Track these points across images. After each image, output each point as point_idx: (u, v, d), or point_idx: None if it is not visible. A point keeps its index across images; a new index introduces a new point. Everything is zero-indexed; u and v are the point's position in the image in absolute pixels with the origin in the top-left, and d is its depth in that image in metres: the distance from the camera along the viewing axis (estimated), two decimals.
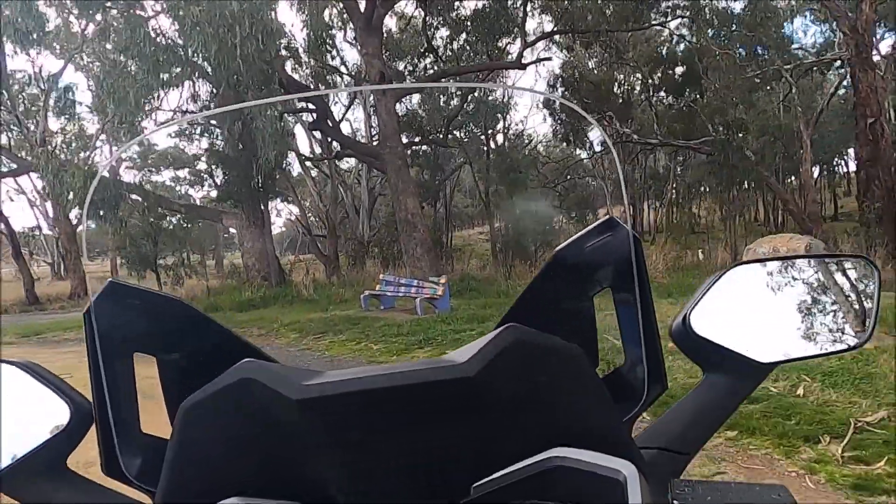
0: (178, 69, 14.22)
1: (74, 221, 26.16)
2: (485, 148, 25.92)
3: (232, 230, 20.41)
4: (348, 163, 33.01)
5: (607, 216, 0.82)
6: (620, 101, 22.06)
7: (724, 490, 0.71)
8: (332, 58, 20.28)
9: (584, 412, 0.63)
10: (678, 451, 0.77)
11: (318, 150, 25.93)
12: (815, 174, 28.43)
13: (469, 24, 18.39)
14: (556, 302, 0.85)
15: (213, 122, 16.65)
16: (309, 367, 0.66)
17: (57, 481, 0.71)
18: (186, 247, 22.06)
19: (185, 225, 32.96)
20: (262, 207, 16.87)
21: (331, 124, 17.87)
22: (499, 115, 25.80)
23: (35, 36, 17.47)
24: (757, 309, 0.85)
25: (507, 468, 0.59)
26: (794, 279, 0.89)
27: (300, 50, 18.02)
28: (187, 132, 26.29)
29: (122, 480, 0.72)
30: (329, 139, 20.22)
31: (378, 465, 0.60)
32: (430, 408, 0.59)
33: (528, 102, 29.16)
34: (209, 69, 14.58)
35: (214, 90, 15.28)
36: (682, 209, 22.21)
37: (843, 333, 0.87)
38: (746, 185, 17.51)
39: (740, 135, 15.45)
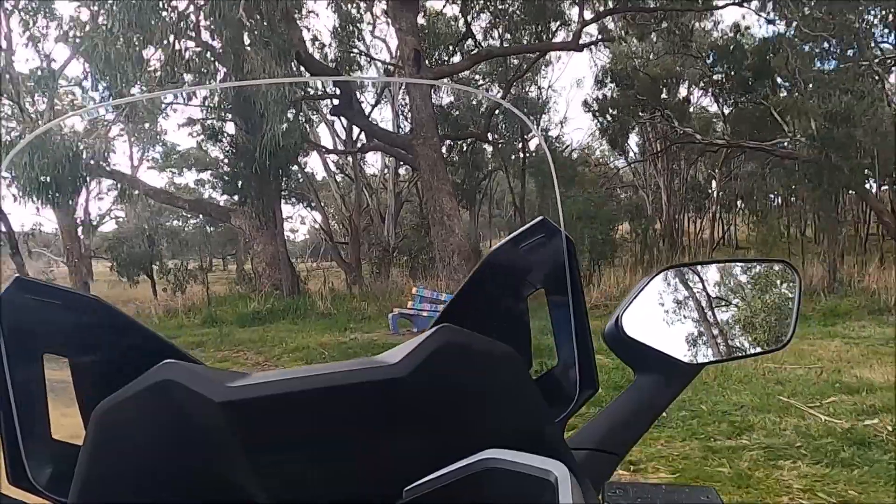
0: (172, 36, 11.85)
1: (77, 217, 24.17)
2: (520, 151, 23.37)
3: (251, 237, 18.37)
4: (373, 167, 30.84)
5: (540, 217, 0.78)
6: (678, 98, 19.36)
7: (655, 492, 0.71)
8: (359, 39, 17.77)
9: (516, 413, 0.61)
10: (610, 452, 0.76)
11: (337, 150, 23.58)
12: None
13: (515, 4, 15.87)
14: (489, 303, 0.82)
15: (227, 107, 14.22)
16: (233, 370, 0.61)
17: None
18: (197, 250, 19.81)
19: (206, 227, 30.47)
20: (275, 206, 14.35)
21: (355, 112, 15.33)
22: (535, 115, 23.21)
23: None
24: (686, 311, 0.86)
25: (440, 471, 0.56)
26: (721, 283, 0.91)
27: (324, 33, 15.66)
28: (206, 130, 24.11)
29: (30, 490, 0.67)
30: (353, 131, 17.75)
31: (305, 469, 0.57)
32: (360, 409, 0.56)
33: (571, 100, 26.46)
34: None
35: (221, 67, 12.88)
36: (765, 221, 19.23)
37: (767, 335, 0.90)
38: (842, 193, 14.68)
39: (839, 130, 12.61)
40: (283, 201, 15.46)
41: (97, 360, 0.75)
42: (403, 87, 14.21)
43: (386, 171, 26.81)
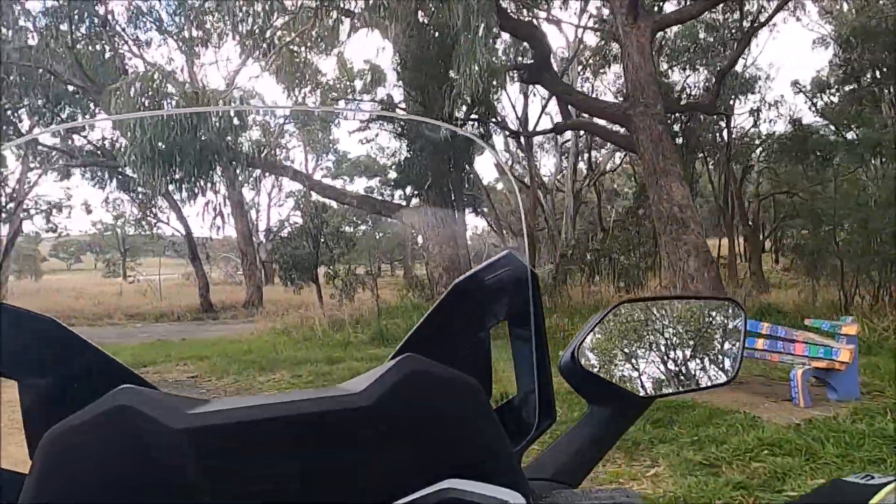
0: None
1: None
2: (724, 132, 19.10)
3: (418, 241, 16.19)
4: (546, 167, 27.88)
5: (506, 250, 0.80)
6: None
7: (579, 497, 0.72)
8: None
9: (477, 443, 0.61)
10: (564, 483, 0.77)
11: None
12: None
13: None
14: (453, 332, 0.83)
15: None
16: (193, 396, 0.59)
17: None
18: (366, 255, 17.94)
19: (375, 233, 28.88)
20: (456, 200, 11.64)
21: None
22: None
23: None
24: (639, 345, 0.87)
25: (400, 500, 0.55)
26: (671, 318, 0.92)
27: None
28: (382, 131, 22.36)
29: None
30: (545, 108, 14.74)
31: (266, 499, 0.54)
32: (322, 439, 0.54)
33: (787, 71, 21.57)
34: None
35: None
36: None
37: (713, 370, 0.90)
38: None
39: None
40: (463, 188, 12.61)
41: (49, 383, 0.72)
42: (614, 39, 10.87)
43: (564, 170, 23.84)
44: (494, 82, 9.24)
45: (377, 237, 29.88)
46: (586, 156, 23.73)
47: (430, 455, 0.58)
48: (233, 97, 10.11)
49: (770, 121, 21.21)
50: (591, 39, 19.16)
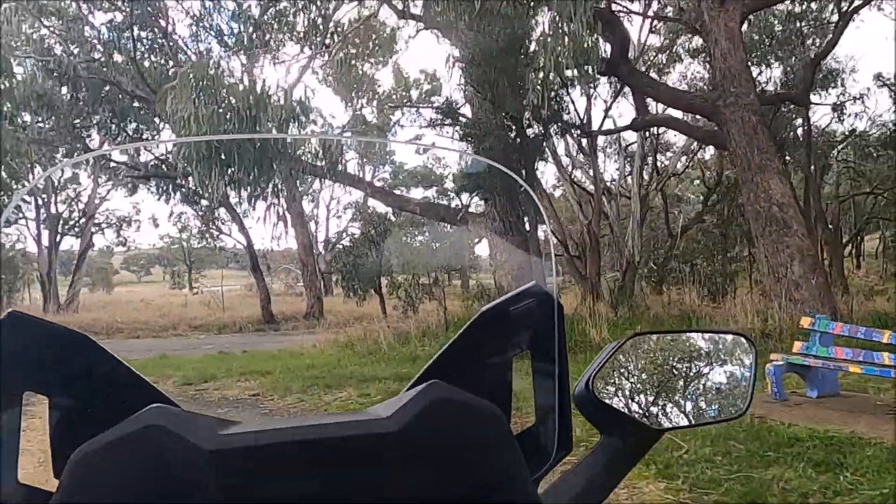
0: None
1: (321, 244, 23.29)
2: (802, 128, 17.65)
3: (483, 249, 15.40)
4: (609, 172, 26.73)
5: (533, 282, 0.81)
6: None
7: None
8: None
9: (497, 470, 0.61)
10: None
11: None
12: None
13: None
14: (477, 360, 0.83)
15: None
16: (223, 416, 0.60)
17: None
18: (425, 265, 17.33)
19: (433, 243, 28.46)
20: (528, 202, 10.81)
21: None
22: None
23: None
24: (650, 377, 0.87)
25: None
26: (684, 351, 0.92)
27: None
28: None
29: None
30: (610, 106, 13.72)
31: None
32: (349, 463, 0.55)
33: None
34: None
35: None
36: None
37: (725, 404, 0.90)
38: None
39: None
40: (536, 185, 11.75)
41: (79, 400, 0.72)
42: (699, 23, 9.86)
43: (628, 173, 22.69)
44: (576, 72, 8.44)
45: (434, 246, 29.30)
46: (650, 159, 22.59)
47: (452, 480, 0.58)
48: (290, 99, 9.56)
49: (855, 115, 19.61)
50: (652, 39, 18.02)
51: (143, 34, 13.19)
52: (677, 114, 12.21)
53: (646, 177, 22.48)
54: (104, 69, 13.47)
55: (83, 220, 25.00)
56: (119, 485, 0.51)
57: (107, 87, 16.04)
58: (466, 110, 13.71)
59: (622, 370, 0.85)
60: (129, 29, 12.62)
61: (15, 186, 22.77)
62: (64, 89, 16.25)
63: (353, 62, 25.56)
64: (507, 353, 0.83)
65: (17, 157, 20.58)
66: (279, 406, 7.49)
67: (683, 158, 23.37)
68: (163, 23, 13.23)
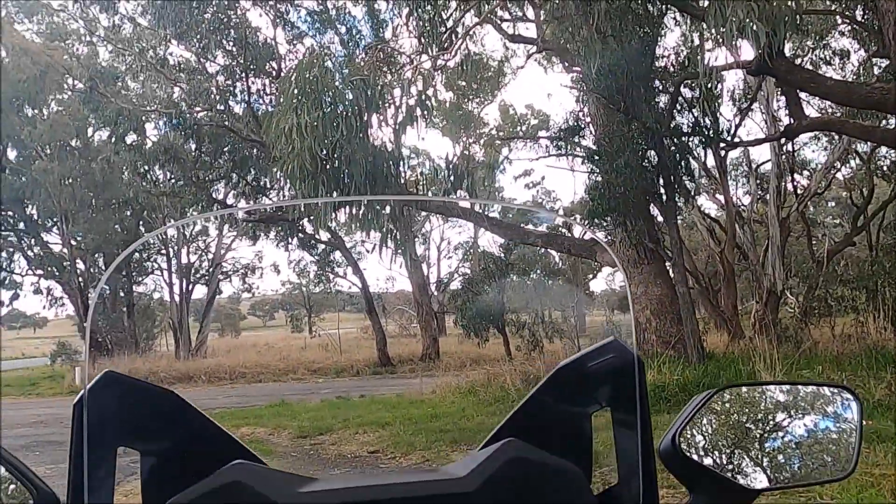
0: None
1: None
2: None
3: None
4: (741, 192, 24.28)
5: (611, 338, 0.78)
6: None
7: None
8: None
9: None
10: None
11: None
12: None
13: None
14: (554, 417, 0.80)
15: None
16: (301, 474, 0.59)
17: None
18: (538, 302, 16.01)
19: (546, 280, 27.07)
20: (669, 227, 9.26)
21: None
22: None
23: None
24: (742, 433, 0.81)
25: None
26: (779, 405, 0.85)
27: None
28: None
29: None
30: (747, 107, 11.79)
31: None
32: None
33: None
34: None
35: None
36: None
37: (827, 464, 0.81)
38: None
39: None
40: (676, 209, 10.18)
41: (168, 455, 0.73)
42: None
43: (759, 195, 20.37)
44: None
45: (548, 283, 27.89)
46: (787, 177, 20.18)
47: None
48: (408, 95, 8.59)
49: None
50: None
51: (258, 80, 13.14)
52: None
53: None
54: (223, 117, 13.52)
55: (211, 269, 25.78)
56: None
57: (227, 138, 16.26)
58: (582, 132, 12.51)
59: (711, 425, 0.79)
60: (243, 73, 12.56)
61: (152, 241, 23.85)
62: (189, 143, 16.68)
63: (460, 100, 25.24)
64: (585, 409, 0.79)
65: (151, 211, 21.50)
66: (402, 465, 6.41)
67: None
68: (274, 64, 13.12)
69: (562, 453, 0.60)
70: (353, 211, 8.22)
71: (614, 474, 0.77)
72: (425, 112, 8.52)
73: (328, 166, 7.26)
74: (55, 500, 0.66)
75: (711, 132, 9.12)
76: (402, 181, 9.03)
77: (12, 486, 0.67)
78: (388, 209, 7.97)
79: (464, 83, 23.19)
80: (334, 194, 7.48)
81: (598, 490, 0.77)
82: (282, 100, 7.63)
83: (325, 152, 7.14)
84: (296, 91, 7.25)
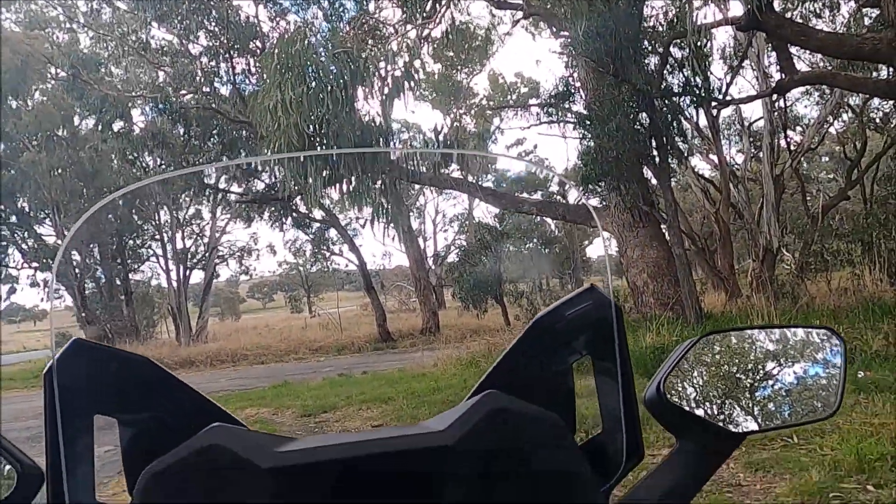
0: None
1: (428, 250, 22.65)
2: None
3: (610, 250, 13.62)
4: (728, 154, 24.22)
5: (588, 285, 0.78)
6: None
7: None
8: None
9: (563, 482, 0.58)
10: None
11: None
12: None
13: None
14: (534, 368, 0.79)
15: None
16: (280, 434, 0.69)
17: None
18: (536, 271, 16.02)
19: (542, 248, 27.11)
20: (663, 188, 9.21)
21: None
22: None
23: None
24: (727, 378, 0.82)
25: None
26: (763, 350, 0.85)
27: None
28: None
29: None
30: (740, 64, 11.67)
31: None
32: (406, 477, 0.54)
33: None
34: None
35: None
36: None
37: (811, 405, 0.83)
38: None
39: None
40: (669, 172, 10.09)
41: (146, 421, 0.74)
42: None
43: (753, 153, 20.31)
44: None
45: (544, 252, 27.94)
46: (780, 135, 20.07)
47: (514, 493, 0.56)
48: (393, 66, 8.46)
49: None
50: None
51: (242, 59, 12.92)
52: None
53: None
54: (209, 99, 13.32)
55: (207, 253, 25.71)
56: (184, 502, 0.51)
57: (214, 121, 16.06)
58: (573, 97, 12.38)
59: (696, 371, 0.79)
60: (227, 53, 12.34)
61: (146, 227, 23.73)
62: (177, 127, 16.48)
63: (448, 71, 24.97)
64: (566, 359, 0.79)
65: (143, 199, 21.35)
66: None
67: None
68: (258, 43, 12.89)
69: (543, 404, 0.59)
70: (345, 187, 8.11)
71: (598, 423, 0.77)
72: (411, 83, 8.38)
73: (316, 143, 7.15)
74: (39, 472, 0.66)
75: (703, 91, 9.05)
76: (393, 156, 8.96)
77: (7, 467, 0.67)
78: (378, 183, 7.88)
79: (451, 54, 22.94)
80: (324, 173, 7.37)
81: (582, 440, 0.77)
82: (265, 77, 7.50)
83: (311, 128, 7.02)
84: (278, 66, 7.08)
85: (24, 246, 21.40)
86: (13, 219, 20.83)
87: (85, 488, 0.68)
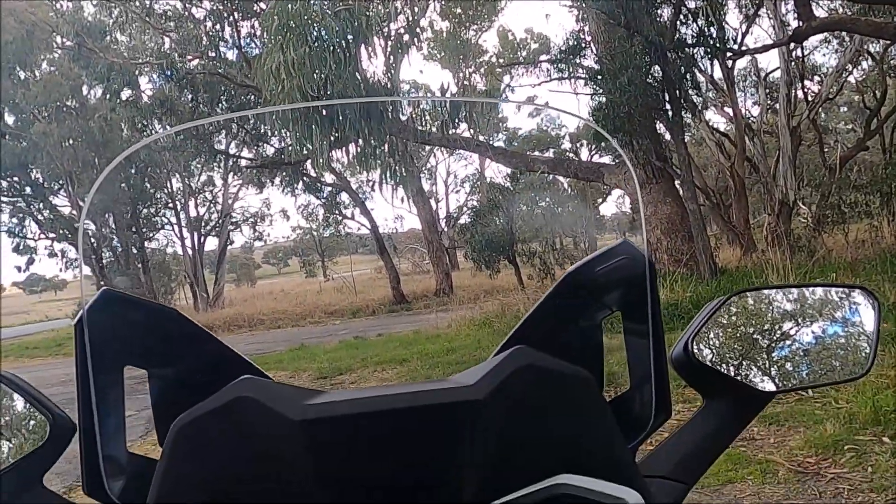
0: None
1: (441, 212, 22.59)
2: None
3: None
4: (748, 106, 23.68)
5: (621, 239, 0.75)
6: None
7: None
8: None
9: (590, 438, 0.59)
10: (679, 480, 0.71)
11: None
12: None
13: None
14: (564, 324, 0.80)
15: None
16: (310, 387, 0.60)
17: (32, 500, 0.65)
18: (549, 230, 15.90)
19: (555, 207, 27.00)
20: (676, 143, 9.04)
21: None
22: None
23: None
24: (757, 337, 0.80)
25: (510, 495, 0.54)
26: (794, 308, 0.83)
27: None
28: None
29: (104, 500, 0.64)
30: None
31: (377, 491, 0.54)
32: (435, 431, 0.53)
33: None
34: None
35: None
36: None
37: (843, 364, 0.81)
38: None
39: None
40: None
41: (175, 372, 0.73)
42: None
43: (771, 101, 19.85)
44: None
45: (557, 210, 27.76)
46: (797, 85, 19.56)
47: (542, 449, 0.56)
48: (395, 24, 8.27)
49: None
50: None
51: (246, 22, 12.73)
52: None
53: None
54: (215, 64, 13.18)
55: (221, 220, 25.82)
56: (213, 454, 0.52)
57: (222, 86, 15.92)
58: (584, 52, 12.08)
59: (725, 330, 0.77)
60: (230, 16, 12.15)
61: (158, 195, 23.81)
62: (184, 94, 16.36)
63: (457, 29, 24.48)
64: (596, 315, 0.78)
65: (155, 167, 21.37)
66: None
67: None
68: (263, 5, 12.66)
69: (572, 360, 0.58)
70: (352, 149, 8.02)
71: (626, 380, 0.77)
72: (415, 39, 8.18)
73: (321, 107, 7.06)
74: (71, 424, 0.66)
75: (717, 42, 8.79)
76: (402, 116, 8.82)
77: (32, 422, 0.68)
78: (386, 146, 7.80)
79: (459, 10, 22.46)
80: (332, 137, 7.28)
81: (610, 397, 0.76)
82: (266, 37, 7.37)
83: (315, 90, 6.89)
84: (279, 27, 6.92)
85: (39, 217, 21.59)
86: (27, 190, 20.97)
87: (116, 440, 0.68)
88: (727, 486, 3.42)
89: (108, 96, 17.68)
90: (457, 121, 9.32)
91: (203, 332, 0.74)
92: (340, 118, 7.23)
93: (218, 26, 13.11)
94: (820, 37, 15.99)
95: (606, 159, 10.83)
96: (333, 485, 0.52)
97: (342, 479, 0.52)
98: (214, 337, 0.75)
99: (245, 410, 0.52)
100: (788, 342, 0.80)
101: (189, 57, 14.07)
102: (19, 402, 0.68)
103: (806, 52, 18.93)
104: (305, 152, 8.07)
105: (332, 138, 7.31)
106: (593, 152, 20.70)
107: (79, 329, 0.64)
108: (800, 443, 3.78)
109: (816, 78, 21.07)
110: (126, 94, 17.85)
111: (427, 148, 21.36)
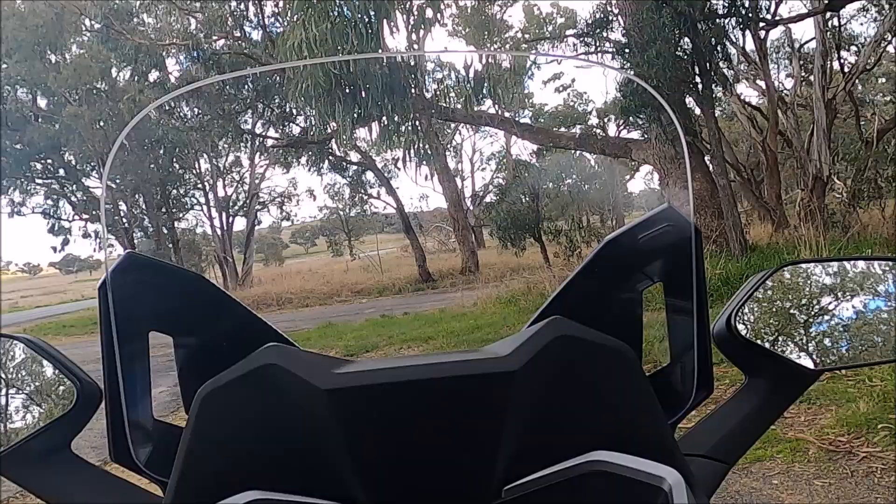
0: None
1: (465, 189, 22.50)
2: None
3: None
4: (781, 79, 23.02)
5: (665, 205, 0.70)
6: None
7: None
8: None
9: (628, 414, 0.56)
10: (719, 460, 0.69)
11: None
12: None
13: None
14: (602, 294, 0.75)
15: None
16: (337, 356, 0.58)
17: (59, 465, 0.65)
18: (576, 207, 15.75)
19: (582, 185, 26.71)
20: (707, 116, 8.83)
21: None
22: None
23: None
24: (803, 313, 0.76)
25: (543, 470, 0.52)
26: (845, 282, 0.78)
27: None
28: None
29: (131, 467, 0.64)
30: None
31: (406, 462, 0.52)
32: (467, 402, 0.52)
33: None
34: None
35: None
36: None
37: (893, 343, 0.76)
38: None
39: None
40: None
41: (201, 340, 0.72)
42: None
43: (805, 73, 19.27)
44: None
45: (584, 187, 27.46)
46: (833, 56, 18.94)
47: (577, 423, 0.54)
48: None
49: None
50: None
51: (270, 1, 12.73)
52: None
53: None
54: (240, 45, 13.22)
55: (248, 200, 26.10)
56: (240, 422, 0.51)
57: (248, 66, 15.97)
58: (611, 25, 11.82)
59: (769, 305, 0.73)
60: None
61: (187, 176, 24.11)
62: (211, 75, 16.45)
63: (481, 4, 24.17)
64: (636, 285, 0.73)
65: (182, 148, 21.62)
66: None
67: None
68: None
69: (610, 331, 0.56)
70: (375, 127, 8.00)
71: (658, 355, 0.75)
72: (439, 15, 8.08)
73: (343, 83, 6.98)
74: (98, 389, 0.66)
75: (749, 11, 8.53)
76: (426, 93, 8.74)
77: (62, 388, 0.68)
78: (408, 124, 7.75)
79: None
80: (355, 114, 7.25)
81: (650, 371, 0.73)
82: (289, 14, 7.33)
83: (337, 67, 6.87)
84: (300, 2, 6.85)
85: (73, 199, 22.04)
86: (61, 172, 21.40)
87: (143, 406, 0.68)
88: (755, 465, 3.39)
89: (136, 78, 17.89)
90: (481, 97, 9.22)
91: (229, 299, 0.73)
92: (363, 94, 7.18)
93: (242, 6, 13.11)
94: (857, 4, 15.47)
95: (634, 134, 10.65)
96: (362, 455, 0.51)
97: (371, 449, 0.51)
98: (241, 304, 0.73)
99: (272, 378, 0.51)
100: (835, 318, 0.76)
101: (215, 37, 14.12)
102: (49, 368, 0.68)
103: (843, 22, 18.29)
104: (329, 131, 8.07)
105: (356, 115, 7.27)
106: (621, 128, 20.35)
107: (102, 293, 0.63)
108: (831, 421, 3.72)
109: (853, 48, 20.39)
110: (154, 75, 18.03)
111: (452, 125, 21.25)
